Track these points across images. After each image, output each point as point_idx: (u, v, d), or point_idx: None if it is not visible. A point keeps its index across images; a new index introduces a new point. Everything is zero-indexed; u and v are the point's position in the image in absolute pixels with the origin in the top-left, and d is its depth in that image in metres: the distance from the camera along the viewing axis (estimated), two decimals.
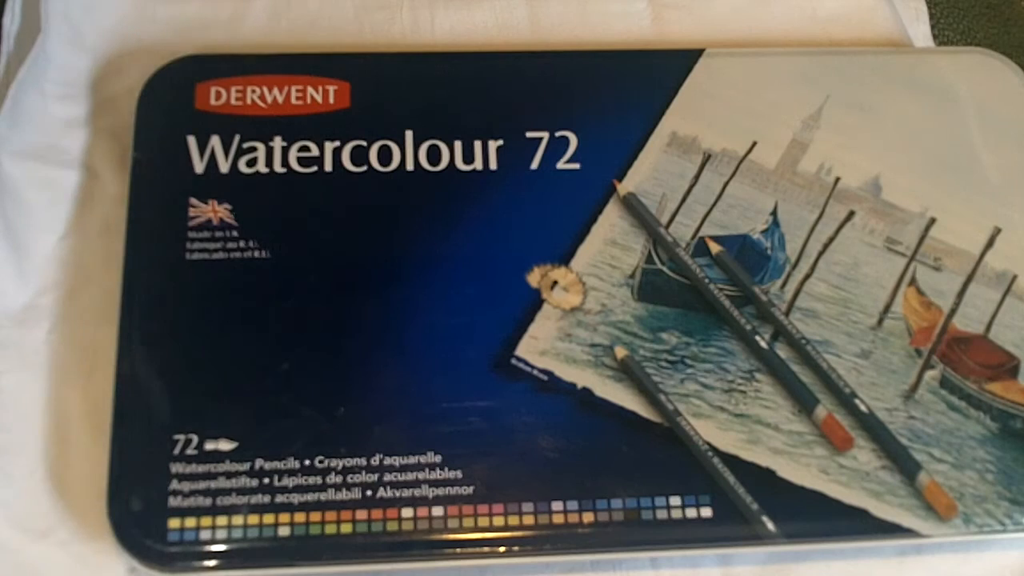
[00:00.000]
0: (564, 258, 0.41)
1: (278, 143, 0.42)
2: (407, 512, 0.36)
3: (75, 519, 0.38)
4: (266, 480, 0.36)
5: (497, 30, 0.49)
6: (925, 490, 0.38)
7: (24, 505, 0.38)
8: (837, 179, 0.44)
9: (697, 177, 0.43)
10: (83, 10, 0.46)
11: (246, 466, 0.36)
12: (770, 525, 0.37)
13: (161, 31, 0.46)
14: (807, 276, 0.42)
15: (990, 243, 0.43)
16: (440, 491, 0.37)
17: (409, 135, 0.43)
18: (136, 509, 0.36)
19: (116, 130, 0.44)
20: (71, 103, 0.45)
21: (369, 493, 0.36)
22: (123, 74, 0.45)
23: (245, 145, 0.42)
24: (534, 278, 0.41)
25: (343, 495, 0.36)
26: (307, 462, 0.37)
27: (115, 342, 0.38)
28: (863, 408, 0.40)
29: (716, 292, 0.41)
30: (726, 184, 0.44)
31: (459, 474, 0.37)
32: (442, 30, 0.48)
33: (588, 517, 0.37)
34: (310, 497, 0.36)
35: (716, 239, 0.42)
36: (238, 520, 0.36)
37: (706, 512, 0.37)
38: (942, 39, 0.52)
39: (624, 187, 0.43)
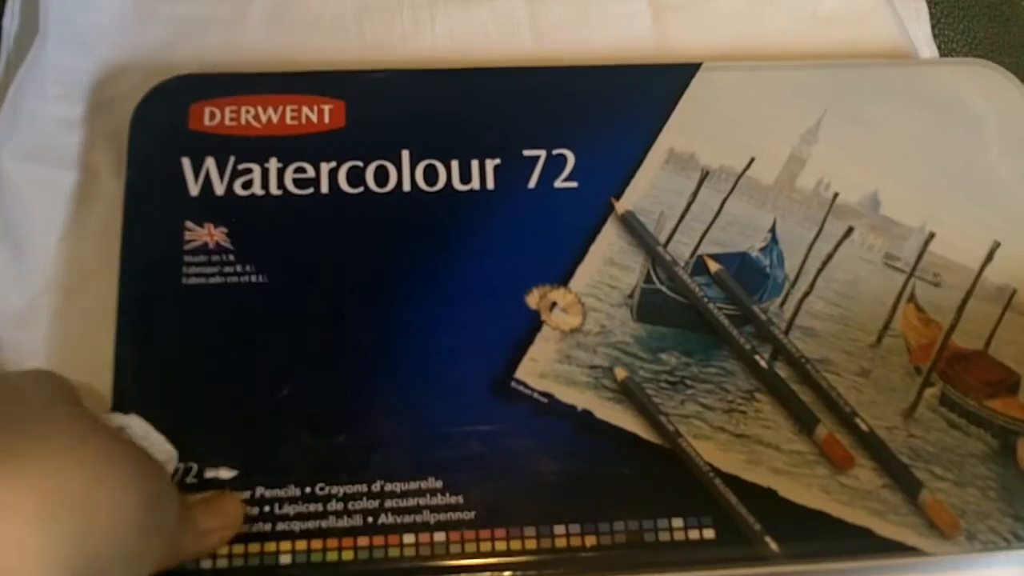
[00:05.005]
0: (563, 278, 0.41)
1: (273, 164, 0.42)
2: (408, 538, 0.36)
3: None
4: (266, 508, 0.36)
5: (497, 33, 0.48)
6: (927, 508, 0.38)
7: None
8: (835, 195, 0.44)
9: (695, 194, 0.43)
10: (82, 11, 0.46)
11: (246, 494, 0.36)
12: (773, 546, 0.37)
13: (161, 32, 0.46)
14: (806, 294, 0.42)
15: (989, 257, 0.43)
16: (441, 516, 0.37)
17: (406, 155, 0.42)
18: None
19: (115, 130, 0.44)
20: (70, 104, 0.45)
21: (370, 519, 0.36)
22: (123, 75, 0.45)
23: (240, 167, 0.42)
24: (533, 299, 0.40)
25: (344, 522, 0.36)
26: (307, 489, 0.37)
27: (114, 342, 0.38)
28: (863, 427, 0.39)
29: (715, 311, 0.41)
30: (724, 201, 0.43)
31: (460, 499, 0.37)
32: (442, 35, 0.48)
33: (590, 540, 0.37)
34: (311, 524, 0.36)
35: (715, 257, 0.42)
36: (239, 549, 0.35)
37: (709, 533, 0.37)
38: (942, 38, 0.52)
39: (622, 205, 0.42)
